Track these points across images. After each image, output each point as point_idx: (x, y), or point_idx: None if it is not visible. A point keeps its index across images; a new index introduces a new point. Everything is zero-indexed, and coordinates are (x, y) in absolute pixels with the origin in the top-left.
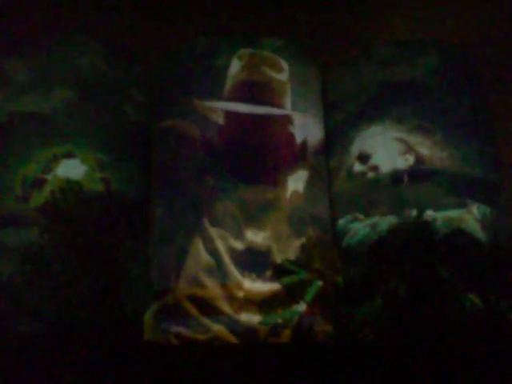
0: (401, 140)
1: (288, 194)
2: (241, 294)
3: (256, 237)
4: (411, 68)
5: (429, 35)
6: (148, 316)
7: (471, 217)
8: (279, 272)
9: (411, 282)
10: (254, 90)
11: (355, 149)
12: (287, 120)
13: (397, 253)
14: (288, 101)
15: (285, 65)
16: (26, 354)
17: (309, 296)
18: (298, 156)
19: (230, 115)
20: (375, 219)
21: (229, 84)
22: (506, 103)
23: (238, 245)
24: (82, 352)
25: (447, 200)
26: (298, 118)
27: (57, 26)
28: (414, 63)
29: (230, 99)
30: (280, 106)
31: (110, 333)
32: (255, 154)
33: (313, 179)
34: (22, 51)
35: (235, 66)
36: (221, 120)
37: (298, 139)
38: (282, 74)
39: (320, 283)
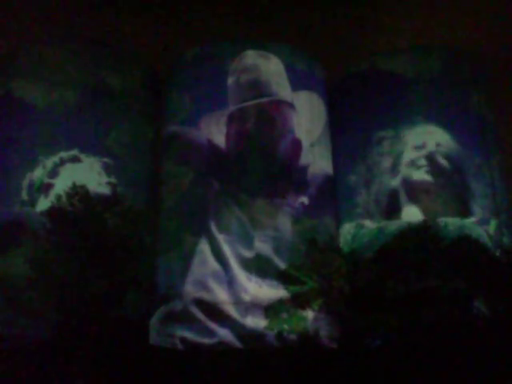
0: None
1: (296, 203)
2: (247, 299)
3: (262, 242)
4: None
5: (434, 41)
6: (154, 320)
7: (478, 224)
8: (285, 278)
9: (417, 287)
10: (252, 86)
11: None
12: (290, 112)
13: (403, 258)
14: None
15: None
16: (30, 359)
17: (315, 302)
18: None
19: (234, 122)
20: (382, 224)
21: (230, 93)
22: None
23: (245, 250)
24: (87, 357)
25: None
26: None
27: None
28: (419, 68)
29: (234, 104)
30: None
31: (115, 337)
32: (262, 164)
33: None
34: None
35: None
36: (227, 127)
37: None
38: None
39: (326, 289)
